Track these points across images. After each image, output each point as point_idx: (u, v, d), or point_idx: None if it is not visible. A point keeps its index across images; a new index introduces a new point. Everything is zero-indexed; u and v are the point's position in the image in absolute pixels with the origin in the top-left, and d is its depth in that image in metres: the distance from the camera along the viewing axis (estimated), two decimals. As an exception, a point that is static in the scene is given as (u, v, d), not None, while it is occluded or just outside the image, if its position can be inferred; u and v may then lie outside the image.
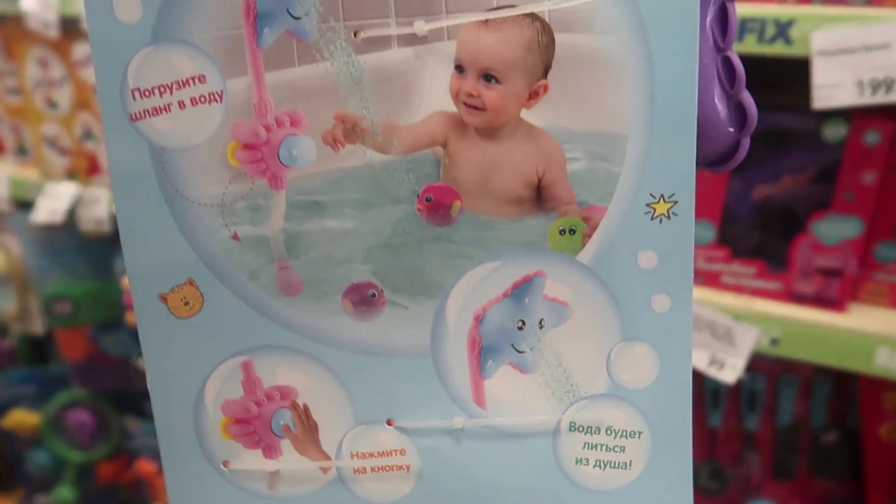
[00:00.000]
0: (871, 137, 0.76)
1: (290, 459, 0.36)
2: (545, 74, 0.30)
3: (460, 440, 0.35)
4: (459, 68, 0.30)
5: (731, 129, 0.32)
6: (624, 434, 0.35)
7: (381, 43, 0.30)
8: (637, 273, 0.32)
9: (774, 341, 0.82)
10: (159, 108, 0.31)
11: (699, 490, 0.99)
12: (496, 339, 0.34)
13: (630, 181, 0.31)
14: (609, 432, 0.35)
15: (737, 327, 0.83)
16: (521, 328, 0.33)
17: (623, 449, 0.35)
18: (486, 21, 0.29)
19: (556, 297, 0.33)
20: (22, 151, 1.25)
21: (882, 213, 0.78)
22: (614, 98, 0.30)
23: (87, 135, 1.14)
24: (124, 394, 1.27)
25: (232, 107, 0.31)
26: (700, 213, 0.85)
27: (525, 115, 0.31)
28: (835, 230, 0.80)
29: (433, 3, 0.30)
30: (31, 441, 1.32)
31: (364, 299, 0.33)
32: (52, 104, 1.15)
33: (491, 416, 0.35)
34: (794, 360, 0.82)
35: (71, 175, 1.18)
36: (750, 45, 0.71)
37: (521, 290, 0.33)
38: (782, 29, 0.70)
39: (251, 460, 0.36)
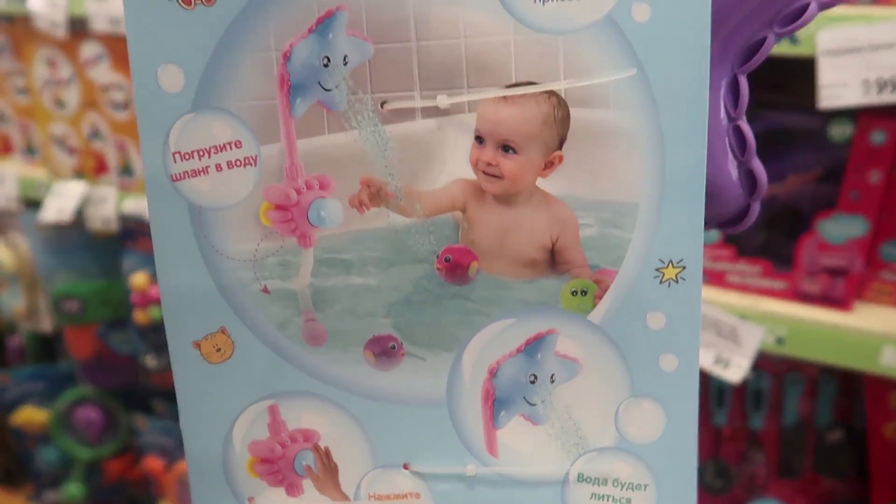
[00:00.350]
0: (878, 137, 0.75)
1: (312, 498, 0.38)
2: (560, 146, 0.32)
3: (473, 486, 0.37)
4: (479, 139, 0.32)
5: (742, 194, 0.33)
6: (630, 486, 0.36)
7: (406, 114, 0.32)
8: (646, 333, 0.34)
9: (780, 340, 0.82)
10: (198, 170, 0.33)
11: (704, 489, 0.99)
12: (509, 392, 0.35)
13: (640, 247, 0.32)
14: (616, 484, 0.36)
15: (742, 326, 0.83)
16: (533, 382, 0.35)
17: (629, 501, 0.36)
18: (505, 96, 0.31)
19: (568, 353, 0.35)
20: (30, 151, 1.26)
21: (888, 212, 0.78)
22: (626, 169, 0.31)
23: (95, 134, 1.14)
24: (132, 391, 1.28)
25: (265, 170, 0.33)
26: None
27: (541, 183, 0.33)
28: (840, 229, 0.80)
29: (455, 78, 0.31)
30: (39, 438, 1.33)
31: (384, 351, 0.35)
32: (60, 104, 1.15)
33: (503, 465, 0.37)
34: (800, 359, 0.82)
35: (79, 174, 1.18)
36: (756, 45, 0.71)
37: (533, 346, 0.34)
38: (788, 28, 0.70)
39: (275, 497, 0.38)
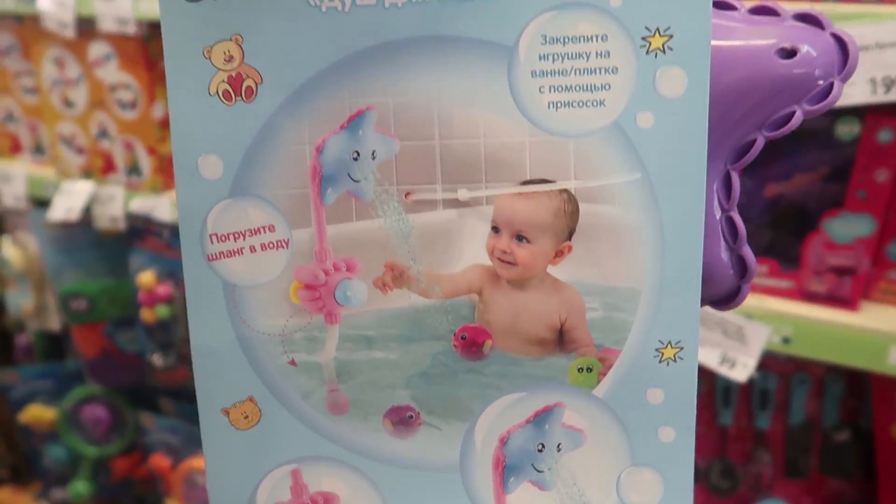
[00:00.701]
0: (885, 135, 0.75)
1: None
2: (570, 237, 0.34)
3: None
4: (495, 228, 0.35)
5: (733, 276, 0.36)
6: None
7: (429, 205, 0.35)
8: (646, 407, 0.36)
9: (786, 340, 0.82)
10: (233, 251, 0.36)
11: (710, 489, 0.98)
12: (518, 459, 0.37)
13: (641, 329, 0.35)
14: None
15: (748, 326, 0.83)
16: (541, 450, 0.37)
17: None
18: (520, 190, 0.34)
19: (574, 424, 0.37)
20: (39, 150, 1.27)
21: (895, 211, 0.78)
22: (629, 259, 0.34)
23: (103, 134, 1.15)
24: (139, 389, 1.28)
25: (296, 252, 0.36)
26: (711, 211, 0.85)
27: (551, 269, 0.36)
28: (847, 228, 0.79)
29: (474, 174, 0.34)
30: (47, 436, 1.34)
31: (403, 420, 0.37)
32: (68, 103, 1.16)
33: None
34: (807, 359, 0.81)
35: (87, 173, 1.19)
36: (762, 43, 0.71)
37: (542, 417, 0.37)
38: (795, 27, 0.70)
39: None
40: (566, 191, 0.34)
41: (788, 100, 0.34)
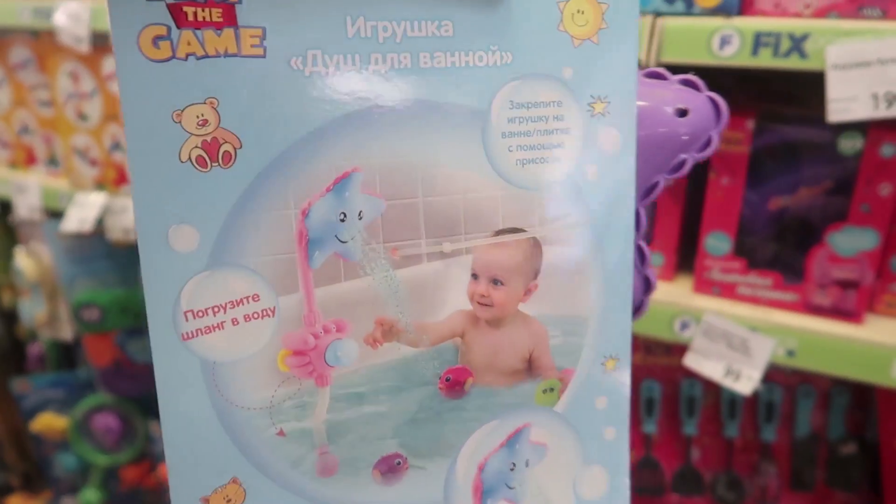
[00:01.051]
0: (888, 150, 0.76)
1: None
2: (536, 276, 0.38)
3: None
4: (475, 275, 0.37)
5: (641, 292, 0.43)
6: None
7: (414, 259, 0.36)
8: (594, 413, 0.41)
9: (791, 353, 0.82)
10: (212, 326, 0.33)
11: (716, 501, 0.98)
12: (494, 482, 0.40)
13: (590, 348, 0.40)
14: None
15: (753, 338, 0.83)
16: (512, 469, 0.40)
17: None
18: (494, 240, 0.37)
19: (538, 440, 0.40)
20: (53, 162, 1.28)
21: (898, 225, 0.78)
22: (582, 291, 0.39)
23: (116, 146, 1.16)
24: (149, 399, 1.29)
25: (283, 319, 0.35)
26: (716, 224, 0.86)
27: (521, 306, 0.39)
28: (851, 242, 0.80)
29: (455, 227, 0.36)
30: (58, 444, 1.35)
31: (391, 468, 0.38)
32: (82, 116, 1.17)
33: None
34: (812, 371, 0.82)
35: (100, 185, 1.20)
36: (765, 60, 0.72)
37: (513, 439, 0.40)
38: (797, 43, 0.70)
39: None
40: (533, 238, 0.37)
41: (682, 150, 0.41)
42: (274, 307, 0.34)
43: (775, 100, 0.88)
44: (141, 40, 0.30)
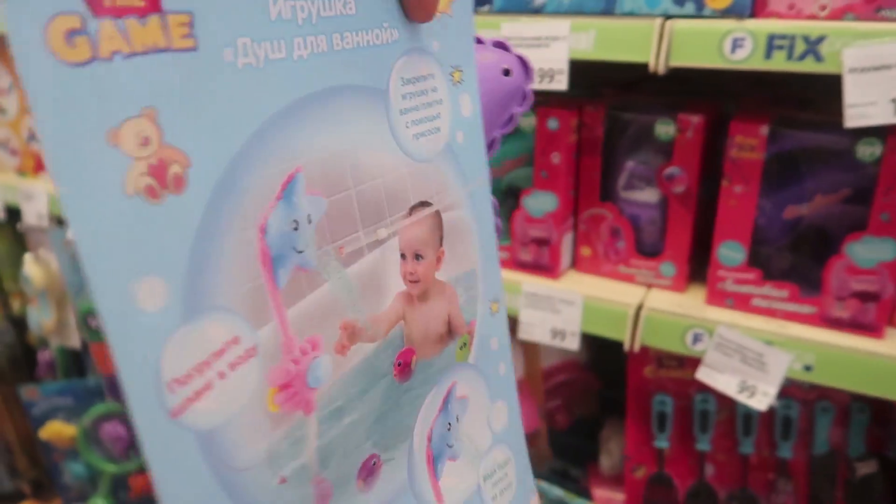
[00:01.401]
0: (908, 157, 0.73)
1: None
2: (441, 243, 0.40)
3: None
4: (403, 255, 0.38)
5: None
6: (504, 464, 0.46)
7: (358, 253, 0.36)
8: (491, 354, 0.45)
9: (808, 367, 0.79)
10: (202, 389, 0.28)
11: (731, 519, 0.95)
12: (439, 446, 0.42)
13: (481, 297, 0.44)
14: (500, 468, 0.46)
15: (769, 352, 0.80)
16: (449, 429, 0.42)
17: (506, 475, 0.46)
18: (411, 217, 0.39)
19: (462, 394, 0.43)
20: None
21: (921, 235, 0.75)
22: (469, 247, 0.42)
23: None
24: (157, 407, 1.28)
25: (264, 355, 0.31)
26: (730, 233, 0.83)
27: (436, 274, 0.41)
28: (871, 252, 0.77)
29: (381, 212, 0.37)
30: (68, 452, 1.35)
31: (370, 471, 0.38)
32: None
33: None
34: (830, 387, 0.78)
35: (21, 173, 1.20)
36: (779, 63, 0.69)
37: (447, 401, 0.42)
38: (812, 46, 0.68)
39: None
40: (436, 209, 0.40)
41: (510, 105, 0.47)
42: (255, 345, 0.30)
43: (790, 105, 0.85)
44: (50, 36, 0.23)
